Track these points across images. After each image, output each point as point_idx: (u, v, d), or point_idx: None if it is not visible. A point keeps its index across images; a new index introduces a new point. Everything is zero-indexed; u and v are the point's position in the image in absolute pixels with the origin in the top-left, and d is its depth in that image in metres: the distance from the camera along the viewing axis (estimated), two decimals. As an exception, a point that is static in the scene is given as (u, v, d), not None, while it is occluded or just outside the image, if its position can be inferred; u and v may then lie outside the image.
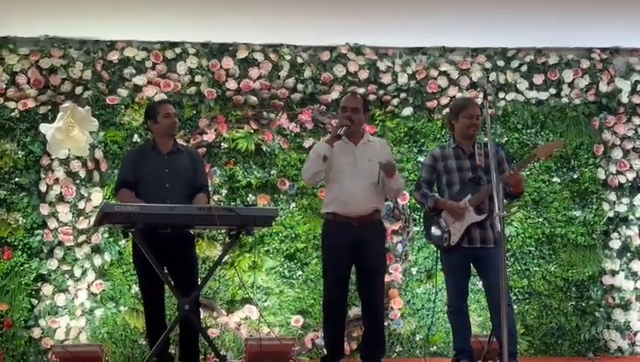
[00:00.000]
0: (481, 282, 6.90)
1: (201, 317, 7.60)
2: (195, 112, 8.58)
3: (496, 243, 6.40)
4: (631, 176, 8.83)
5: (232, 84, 8.61)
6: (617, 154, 8.89)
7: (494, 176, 5.41)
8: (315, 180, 6.65)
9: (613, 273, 8.74)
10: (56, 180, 8.26)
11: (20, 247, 8.22)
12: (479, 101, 8.39)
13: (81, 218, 8.25)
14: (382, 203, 6.72)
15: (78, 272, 8.18)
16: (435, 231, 6.70)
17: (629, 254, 8.78)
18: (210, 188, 7.04)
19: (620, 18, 8.16)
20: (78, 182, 8.29)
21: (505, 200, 6.78)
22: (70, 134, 8.01)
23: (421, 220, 8.54)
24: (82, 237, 8.25)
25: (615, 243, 8.78)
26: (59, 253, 8.18)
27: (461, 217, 6.51)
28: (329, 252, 6.60)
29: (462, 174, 6.64)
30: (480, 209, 6.51)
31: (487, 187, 6.42)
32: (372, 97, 8.71)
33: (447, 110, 8.38)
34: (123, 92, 8.48)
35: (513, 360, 6.32)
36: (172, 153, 6.61)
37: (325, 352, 6.79)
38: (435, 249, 7.16)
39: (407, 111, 8.78)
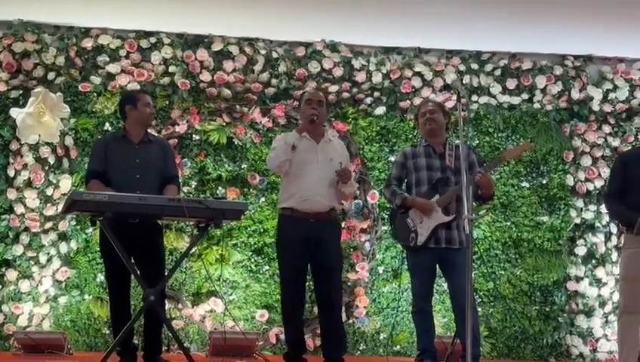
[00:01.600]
0: (446, 283, 6.93)
1: (166, 308, 7.58)
2: (167, 103, 8.56)
3: (461, 244, 6.42)
4: (599, 183, 8.89)
5: (205, 76, 8.58)
6: (586, 161, 8.96)
7: (464, 178, 5.43)
8: (282, 169, 6.53)
9: (578, 279, 8.81)
10: (25, 165, 8.21)
11: (-15, 232, 8.18)
12: (452, 103, 8.45)
13: (48, 204, 8.21)
14: (338, 202, 6.71)
15: (43, 259, 8.14)
16: (402, 230, 6.71)
17: (594, 261, 8.85)
18: (180, 180, 7.00)
19: (595, 26, 8.23)
20: (47, 168, 8.24)
21: (475, 203, 6.83)
22: (41, 120, 7.97)
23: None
24: (49, 224, 8.20)
25: (581, 250, 8.84)
26: (25, 238, 8.13)
27: (430, 215, 6.53)
28: (286, 248, 6.57)
29: (430, 173, 6.65)
30: (447, 210, 6.54)
31: (455, 188, 6.46)
32: (346, 95, 8.72)
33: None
34: (96, 79, 8.44)
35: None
36: (143, 143, 6.55)
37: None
38: (401, 248, 7.18)
39: (380, 110, 8.80)
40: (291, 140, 6.44)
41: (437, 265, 6.65)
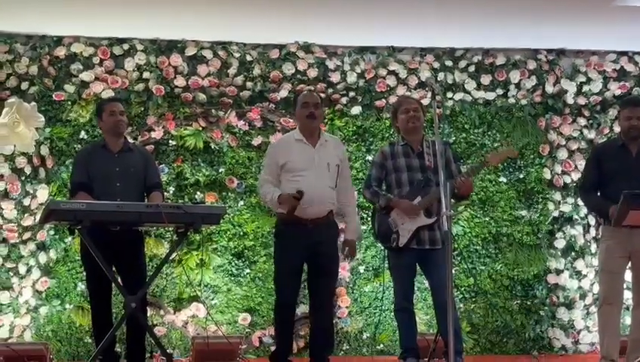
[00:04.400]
0: (427, 281, 6.96)
1: (148, 315, 7.57)
2: (142, 109, 8.53)
3: (444, 244, 6.45)
4: (576, 176, 8.92)
5: (180, 81, 8.56)
6: (563, 154, 9.00)
7: (441, 176, 5.43)
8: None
9: (558, 272, 8.84)
10: (1, 176, 8.17)
11: (-37, 244, 8.13)
12: (427, 100, 8.46)
13: (26, 215, 8.16)
14: (335, 204, 6.71)
15: (22, 269, 8.10)
16: (383, 231, 6.73)
17: (573, 253, 8.89)
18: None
19: (567, 20, 8.25)
20: (23, 178, 8.20)
21: (452, 201, 6.86)
22: (15, 130, 7.92)
23: (369, 219, 8.58)
24: (27, 234, 8.16)
25: (560, 243, 8.88)
26: (3, 250, 8.09)
27: (414, 217, 6.55)
28: (283, 250, 6.55)
29: (411, 174, 6.67)
30: (429, 211, 6.56)
31: (437, 190, 6.47)
32: (321, 96, 8.70)
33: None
34: (70, 88, 8.40)
35: (459, 358, 6.38)
36: (122, 152, 6.55)
37: (274, 349, 6.79)
38: (381, 248, 7.20)
39: (356, 110, 8.80)
40: (275, 201, 6.44)
41: (417, 264, 6.69)
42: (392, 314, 7.24)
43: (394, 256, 6.74)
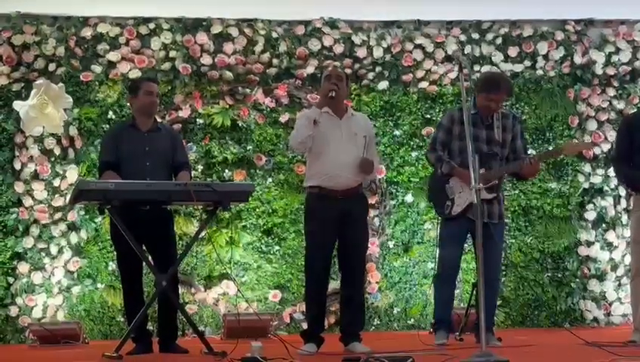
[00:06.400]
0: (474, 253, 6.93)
1: (180, 293, 7.60)
2: (169, 88, 8.54)
3: (500, 218, 6.57)
4: (606, 147, 8.86)
5: (206, 60, 8.56)
6: (592, 125, 8.93)
7: (469, 146, 5.36)
8: (305, 146, 6.36)
9: (589, 244, 8.80)
10: (31, 158, 8.22)
11: (-5, 226, 8.20)
12: (454, 74, 8.41)
13: (56, 195, 8.22)
14: (364, 176, 6.66)
15: (54, 250, 8.16)
16: (438, 196, 6.67)
17: (604, 225, 8.84)
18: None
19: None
20: (52, 159, 8.25)
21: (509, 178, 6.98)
22: (44, 111, 7.97)
23: (398, 193, 8.59)
24: (58, 215, 8.22)
25: (590, 215, 8.83)
26: (35, 231, 8.15)
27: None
28: (314, 226, 6.48)
29: (477, 144, 6.51)
30: (490, 186, 6.52)
31: (504, 167, 6.51)
32: (347, 71, 8.66)
33: (422, 84, 8.78)
34: (97, 68, 8.42)
35: (490, 333, 6.37)
36: (152, 131, 6.52)
37: (305, 326, 6.78)
38: (411, 223, 7.17)
39: (383, 85, 8.77)
40: (313, 115, 6.32)
41: (469, 235, 6.64)
42: (422, 288, 7.22)
43: (447, 226, 6.66)
